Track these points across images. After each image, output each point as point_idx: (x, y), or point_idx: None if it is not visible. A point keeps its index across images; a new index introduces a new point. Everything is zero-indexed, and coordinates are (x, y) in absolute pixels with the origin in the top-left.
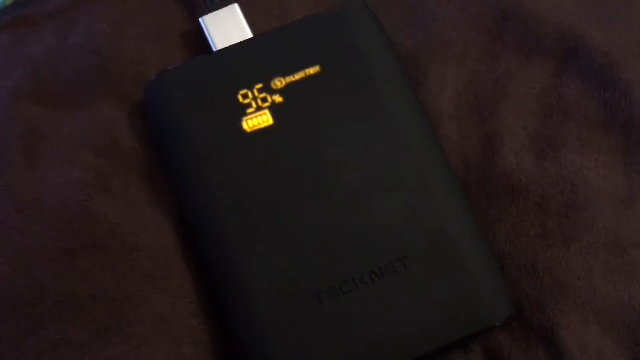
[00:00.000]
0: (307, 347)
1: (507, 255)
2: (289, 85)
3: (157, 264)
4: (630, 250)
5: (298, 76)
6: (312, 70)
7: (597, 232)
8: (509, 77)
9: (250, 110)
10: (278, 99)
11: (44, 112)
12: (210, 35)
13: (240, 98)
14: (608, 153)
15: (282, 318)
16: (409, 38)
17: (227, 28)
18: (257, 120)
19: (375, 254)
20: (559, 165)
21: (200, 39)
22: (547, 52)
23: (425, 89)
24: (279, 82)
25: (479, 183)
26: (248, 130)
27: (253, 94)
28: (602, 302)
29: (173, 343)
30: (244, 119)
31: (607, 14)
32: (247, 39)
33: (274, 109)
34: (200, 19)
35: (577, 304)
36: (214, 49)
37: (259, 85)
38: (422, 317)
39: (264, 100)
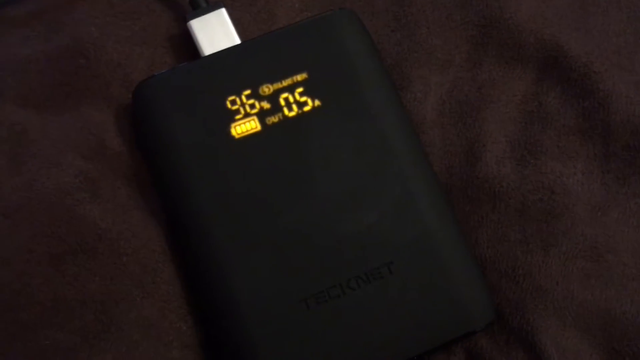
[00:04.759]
0: (295, 353)
1: (488, 260)
2: (276, 92)
3: (146, 269)
4: (607, 256)
5: (286, 82)
6: (299, 76)
7: (575, 238)
8: (491, 84)
9: (238, 116)
10: (266, 105)
11: (30, 115)
12: (198, 40)
13: (228, 104)
14: (586, 161)
15: (269, 324)
16: (393, 44)
17: (214, 33)
18: (245, 126)
19: (362, 260)
20: (539, 173)
21: (187, 42)
22: (528, 61)
23: (409, 95)
24: (267, 89)
25: (462, 189)
26: (236, 136)
27: (241, 100)
28: (580, 306)
29: (162, 348)
30: (233, 125)
31: (587, 24)
32: (236, 45)
33: (261, 115)
34: (188, 24)
35: (555, 308)
36: (202, 54)
37: (248, 92)
38: (407, 322)
39: (252, 106)
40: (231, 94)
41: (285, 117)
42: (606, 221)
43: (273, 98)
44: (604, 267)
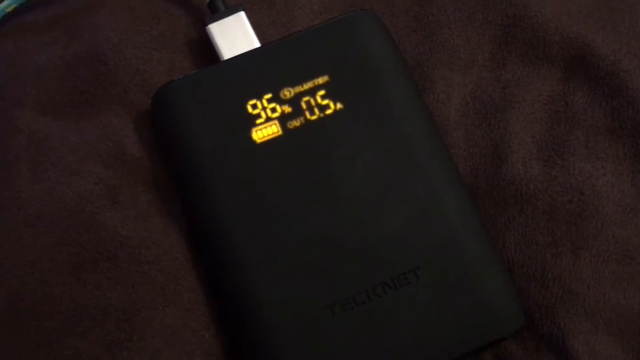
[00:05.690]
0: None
1: (517, 264)
2: (298, 95)
3: (168, 277)
4: (639, 258)
5: (307, 86)
6: (321, 79)
7: (606, 240)
8: (516, 84)
9: (259, 120)
10: (287, 109)
11: (49, 122)
12: (217, 44)
13: (249, 108)
14: (615, 161)
15: (294, 330)
16: (415, 45)
17: (234, 36)
18: (267, 130)
19: (388, 266)
20: (567, 174)
21: (206, 46)
22: (553, 60)
23: (431, 96)
24: (288, 93)
25: (488, 191)
26: (257, 140)
27: (262, 104)
28: (612, 310)
29: (185, 356)
30: (254, 129)
31: (614, 22)
32: (256, 49)
33: (283, 119)
34: (207, 28)
35: (587, 312)
36: (222, 58)
37: (268, 96)
38: (435, 329)
39: (273, 110)
40: (252, 98)
41: (307, 121)
42: (638, 223)
43: (294, 102)
44: (636, 269)
